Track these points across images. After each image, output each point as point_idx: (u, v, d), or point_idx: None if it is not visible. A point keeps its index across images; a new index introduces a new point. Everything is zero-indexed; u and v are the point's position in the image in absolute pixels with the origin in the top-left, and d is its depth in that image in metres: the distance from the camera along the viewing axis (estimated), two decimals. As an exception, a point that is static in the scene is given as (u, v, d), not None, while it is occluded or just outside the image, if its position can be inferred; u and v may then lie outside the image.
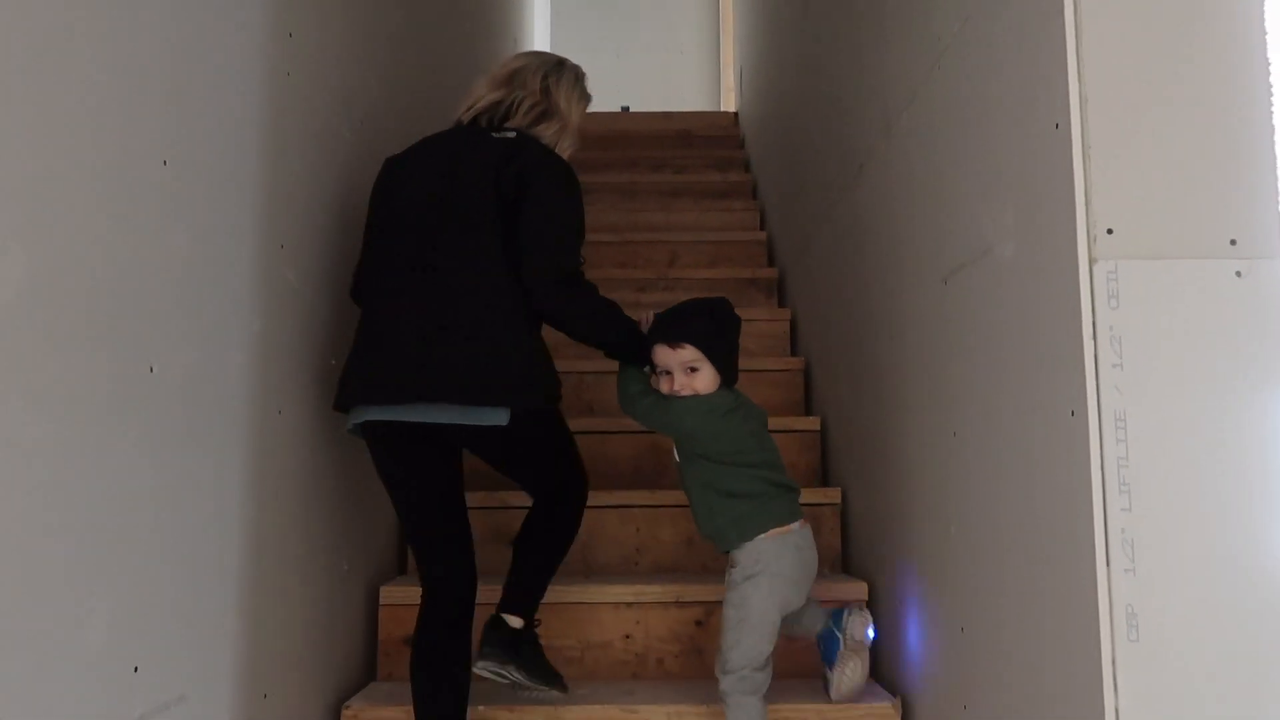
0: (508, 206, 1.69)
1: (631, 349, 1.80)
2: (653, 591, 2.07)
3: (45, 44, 0.96)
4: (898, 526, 1.89)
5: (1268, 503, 1.05)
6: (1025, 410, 1.24)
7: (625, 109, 5.61)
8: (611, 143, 4.74)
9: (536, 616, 1.82)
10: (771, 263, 3.65)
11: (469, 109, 1.84)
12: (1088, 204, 1.09)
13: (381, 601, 2.06)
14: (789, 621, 1.77)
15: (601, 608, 2.07)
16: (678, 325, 1.75)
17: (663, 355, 1.74)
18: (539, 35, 5.60)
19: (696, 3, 7.19)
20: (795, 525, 1.74)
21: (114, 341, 1.08)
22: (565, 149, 1.85)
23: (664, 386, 1.75)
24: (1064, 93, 1.12)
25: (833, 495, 2.36)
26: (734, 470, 1.73)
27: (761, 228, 3.95)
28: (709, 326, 1.75)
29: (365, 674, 2.01)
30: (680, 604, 2.07)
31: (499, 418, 1.65)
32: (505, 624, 1.76)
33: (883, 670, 1.97)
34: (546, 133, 1.82)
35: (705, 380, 1.73)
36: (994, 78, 1.34)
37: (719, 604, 2.03)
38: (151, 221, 1.16)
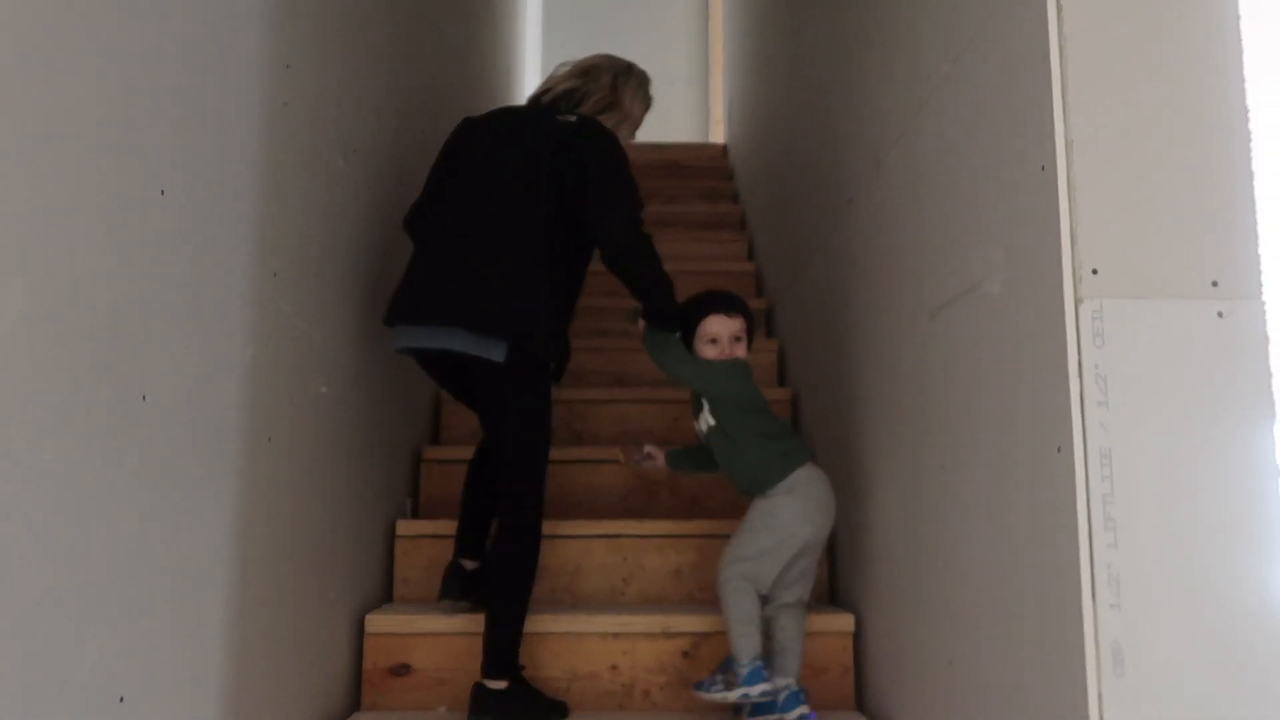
0: (560, 180, 1.94)
1: (671, 308, 2.02)
2: (640, 622, 2.07)
3: (45, 74, 0.97)
4: (885, 559, 1.89)
5: (1251, 538, 1.06)
6: (1012, 445, 1.26)
7: (615, 139, 5.64)
8: (602, 172, 4.76)
9: (520, 663, 1.90)
10: (760, 294, 3.68)
11: (546, 91, 2.15)
12: (1074, 244, 1.12)
13: (367, 630, 2.05)
14: (778, 595, 1.89)
15: (589, 638, 2.06)
16: (731, 300, 2.03)
17: (717, 324, 1.99)
18: (530, 66, 5.64)
19: (687, 34, 7.27)
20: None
21: (110, 370, 1.09)
22: (623, 137, 2.16)
23: (710, 352, 1.98)
24: (1050, 135, 1.14)
25: (820, 527, 2.36)
26: (767, 417, 1.98)
27: (750, 259, 3.97)
28: (745, 306, 2.04)
29: (349, 703, 2.00)
30: (668, 635, 2.06)
31: (497, 352, 1.86)
32: (488, 689, 1.84)
33: (870, 703, 1.97)
34: (608, 122, 2.12)
35: (743, 349, 2.01)
36: (982, 118, 1.37)
37: (707, 635, 2.05)
38: (149, 251, 1.17)
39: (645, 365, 3.16)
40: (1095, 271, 1.11)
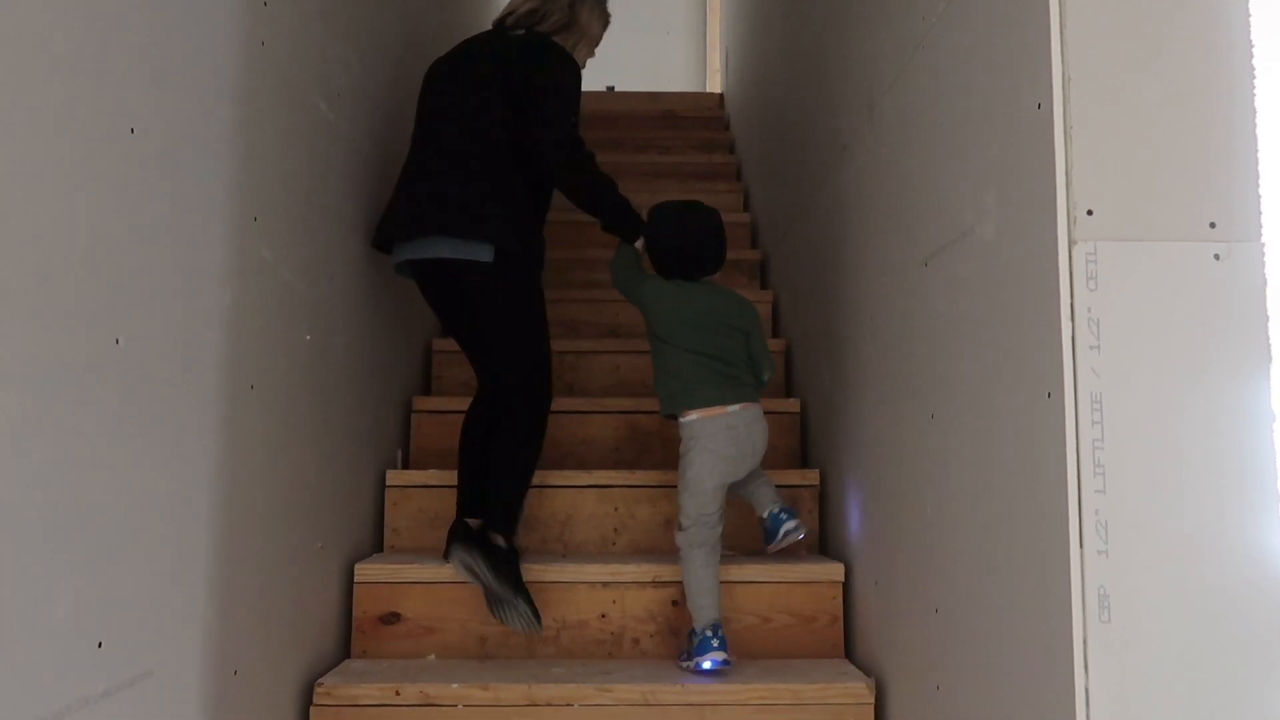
0: (514, 89, 2.07)
1: (626, 222, 2.13)
2: (629, 571, 2.07)
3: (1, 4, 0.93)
4: (875, 508, 1.89)
5: (1243, 487, 1.05)
6: (1002, 392, 1.24)
7: (610, 89, 5.56)
8: (596, 122, 4.68)
9: (516, 540, 2.04)
10: (755, 245, 3.64)
11: (510, 14, 2.25)
12: (1068, 185, 1.09)
13: (356, 579, 2.05)
14: (741, 490, 2.06)
15: (578, 587, 2.06)
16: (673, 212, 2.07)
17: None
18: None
19: (684, -17, 7.13)
20: (733, 408, 1.95)
21: (80, 313, 1.06)
22: (582, 55, 2.29)
23: (647, 265, 2.06)
24: (1047, 72, 1.11)
25: (811, 477, 2.36)
26: (676, 351, 1.99)
27: (745, 210, 3.93)
28: (672, 217, 2.07)
29: (339, 652, 2.00)
30: (657, 584, 2.06)
31: (484, 253, 1.98)
32: (469, 526, 1.99)
33: (858, 651, 1.98)
34: (567, 41, 2.24)
35: None
36: (978, 58, 1.33)
37: (696, 584, 2.04)
38: (117, 189, 1.14)
39: (636, 316, 3.14)
40: (1090, 213, 1.08)
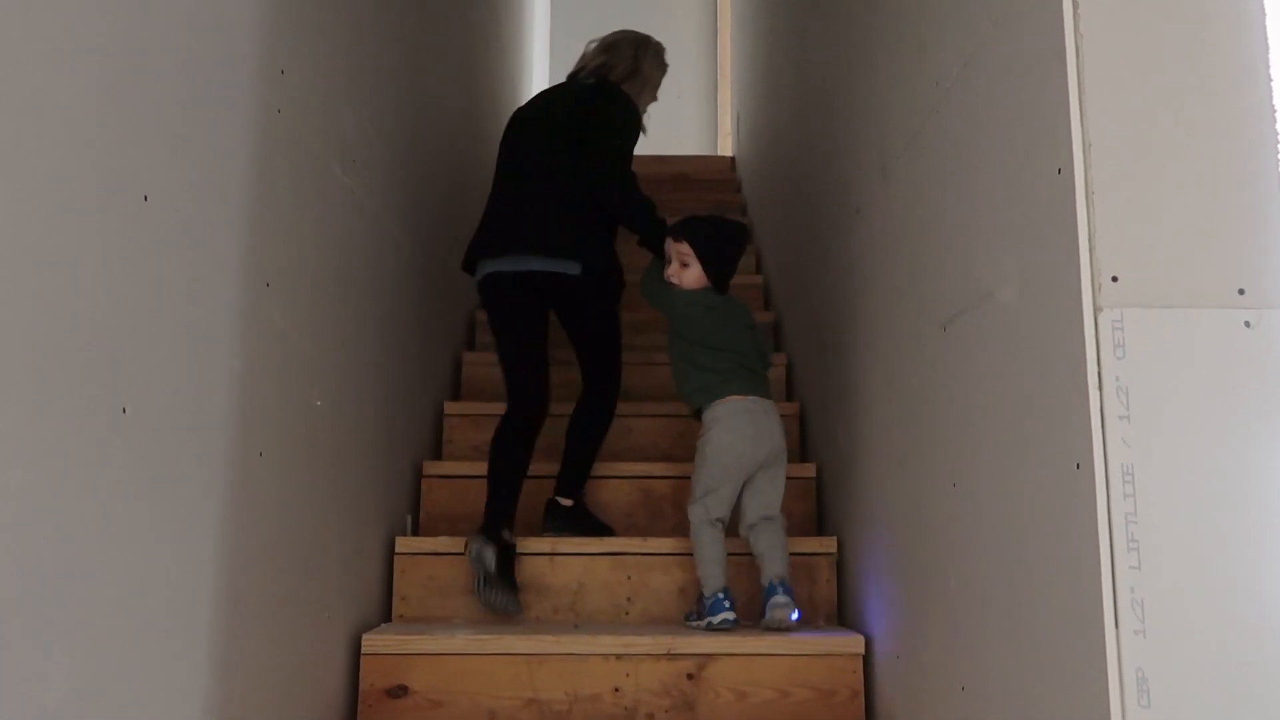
0: (584, 128, 2.41)
1: (656, 233, 2.37)
2: (644, 644, 2.01)
3: (22, 71, 0.93)
4: (895, 579, 1.84)
5: (1281, 561, 1.00)
6: (1028, 462, 1.20)
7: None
8: (608, 185, 4.73)
9: (583, 492, 2.45)
10: (768, 307, 3.63)
11: (582, 69, 2.63)
12: (1092, 251, 1.07)
13: (364, 650, 1.99)
14: (756, 542, 2.12)
15: (591, 659, 2.01)
16: (686, 223, 2.27)
17: (668, 244, 2.27)
18: (538, 72, 5.62)
19: (694, 48, 7.25)
20: (753, 397, 2.16)
21: (87, 382, 1.04)
22: (645, 100, 2.65)
23: (668, 271, 2.25)
24: (1067, 137, 1.10)
25: (828, 545, 2.31)
26: (705, 350, 2.19)
27: (758, 272, 3.93)
28: (710, 234, 2.25)
29: (345, 726, 1.95)
30: (672, 656, 2.00)
31: (572, 268, 2.34)
32: (560, 505, 2.39)
33: (880, 728, 1.91)
34: (632, 88, 2.58)
35: (692, 276, 2.23)
36: (994, 122, 1.32)
37: (712, 656, 1.99)
38: (130, 257, 1.13)
39: (649, 380, 3.11)
40: (1115, 279, 1.06)
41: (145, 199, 1.16)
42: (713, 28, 7.14)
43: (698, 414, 2.21)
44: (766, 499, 2.14)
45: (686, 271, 2.22)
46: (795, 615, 2.05)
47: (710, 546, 2.09)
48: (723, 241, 2.26)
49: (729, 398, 2.15)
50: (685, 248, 2.22)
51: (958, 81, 1.46)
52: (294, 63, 1.62)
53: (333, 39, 1.85)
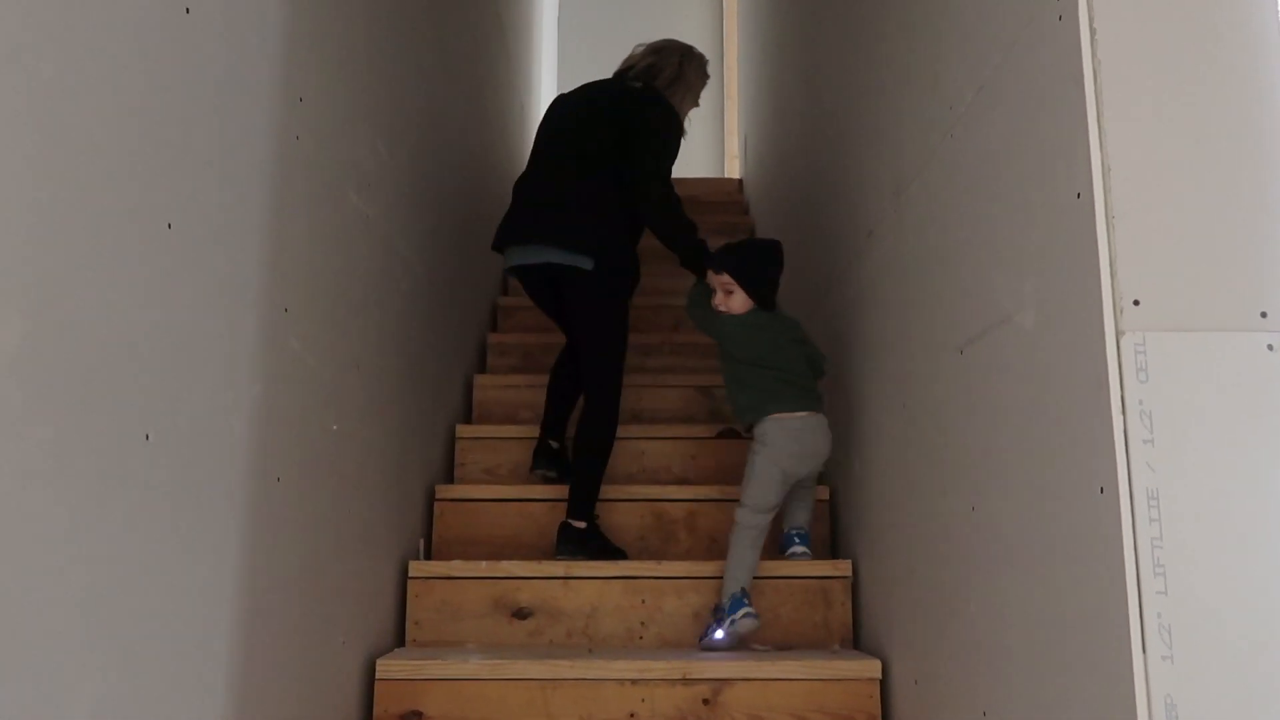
0: (625, 131, 2.49)
1: (696, 259, 2.43)
2: (658, 668, 2.00)
3: (48, 101, 0.94)
4: (912, 602, 1.83)
5: (1308, 585, 1.00)
6: (1050, 486, 1.20)
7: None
8: (617, 208, 4.74)
9: (595, 514, 2.44)
10: (777, 328, 3.62)
11: (630, 68, 2.71)
12: (1113, 274, 1.07)
13: (378, 675, 1.98)
14: (789, 497, 2.32)
15: (606, 684, 1.99)
16: (724, 255, 2.35)
17: (710, 276, 2.35)
18: (545, 93, 5.64)
19: (701, 72, 7.27)
20: (801, 414, 2.25)
21: (110, 408, 1.05)
22: (686, 106, 2.75)
23: (714, 301, 2.33)
24: (1085, 161, 1.10)
25: (843, 568, 2.30)
26: (752, 369, 2.28)
27: (767, 293, 3.92)
28: (747, 258, 2.35)
29: (359, 753, 1.93)
30: (687, 681, 1.99)
31: (585, 263, 2.41)
32: (572, 527, 2.38)
33: (898, 753, 1.89)
34: (675, 94, 2.68)
35: (738, 301, 2.31)
36: (1010, 146, 1.33)
37: (728, 681, 1.98)
38: (154, 285, 1.13)
39: (661, 402, 3.11)
40: (1137, 303, 1.06)
41: (169, 227, 1.16)
42: (719, 49, 7.18)
43: (749, 429, 2.31)
44: (806, 508, 2.41)
45: (732, 299, 2.30)
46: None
47: (748, 551, 2.18)
48: (762, 262, 2.34)
49: (776, 415, 2.24)
50: (726, 278, 2.30)
51: (972, 106, 1.46)
52: (312, 90, 1.64)
53: (349, 67, 1.87)
